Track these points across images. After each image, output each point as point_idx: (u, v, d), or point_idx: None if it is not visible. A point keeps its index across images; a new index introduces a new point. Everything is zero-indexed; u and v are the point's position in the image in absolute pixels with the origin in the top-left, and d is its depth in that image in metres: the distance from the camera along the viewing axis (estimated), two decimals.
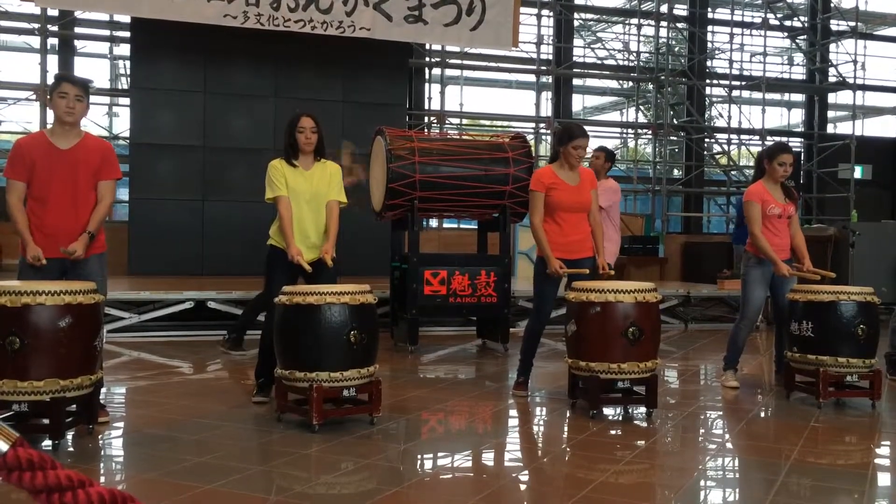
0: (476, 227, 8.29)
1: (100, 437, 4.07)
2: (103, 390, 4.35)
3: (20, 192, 4.20)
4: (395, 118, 10.98)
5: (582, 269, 4.99)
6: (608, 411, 4.80)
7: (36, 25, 11.11)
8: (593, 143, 7.44)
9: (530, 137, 12.11)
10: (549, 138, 13.08)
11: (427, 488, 3.45)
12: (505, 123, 14.12)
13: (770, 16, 14.27)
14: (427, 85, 13.18)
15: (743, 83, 14.46)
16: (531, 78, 13.80)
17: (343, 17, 9.79)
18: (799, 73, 15.78)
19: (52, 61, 11.45)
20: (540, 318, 5.23)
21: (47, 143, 4.22)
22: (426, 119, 12.94)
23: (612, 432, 4.41)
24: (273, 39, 10.23)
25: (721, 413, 5.15)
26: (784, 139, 15.40)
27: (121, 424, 4.44)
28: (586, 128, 5.22)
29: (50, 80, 11.11)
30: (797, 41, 15.28)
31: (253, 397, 4.89)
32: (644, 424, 4.57)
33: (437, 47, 12.52)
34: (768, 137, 13.69)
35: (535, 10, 13.12)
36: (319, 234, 4.78)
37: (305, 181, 4.73)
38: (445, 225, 12.64)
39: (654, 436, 4.38)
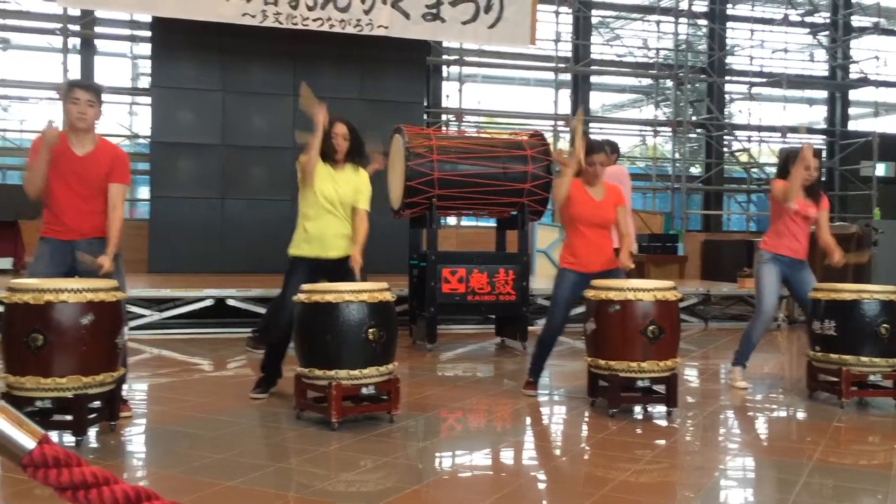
0: (494, 224, 8.27)
1: (121, 433, 4.11)
2: (125, 386, 4.39)
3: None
4: (412, 116, 10.99)
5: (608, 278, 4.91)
6: (628, 410, 4.78)
7: (57, 25, 11.21)
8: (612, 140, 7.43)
9: (549, 135, 12.06)
10: (566, 135, 13.02)
11: (446, 486, 3.46)
12: (523, 121, 14.08)
13: (791, 12, 14.15)
14: (445, 83, 13.17)
15: (763, 80, 14.35)
16: (549, 75, 13.74)
17: (361, 15, 9.81)
18: (820, 69, 15.63)
19: (74, 61, 11.55)
20: (550, 324, 5.13)
21: (65, 146, 4.22)
22: (444, 117, 12.93)
23: (632, 431, 4.38)
24: (291, 38, 10.28)
25: (742, 412, 5.11)
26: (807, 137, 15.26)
27: (142, 421, 4.48)
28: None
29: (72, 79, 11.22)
30: (818, 37, 15.13)
31: (251, 392, 4.92)
32: (664, 423, 4.55)
33: (454, 45, 12.51)
34: (789, 135, 13.57)
35: (553, 7, 13.08)
36: (343, 238, 4.79)
37: (333, 184, 4.75)
38: (463, 223, 12.62)
39: (675, 435, 4.35)
